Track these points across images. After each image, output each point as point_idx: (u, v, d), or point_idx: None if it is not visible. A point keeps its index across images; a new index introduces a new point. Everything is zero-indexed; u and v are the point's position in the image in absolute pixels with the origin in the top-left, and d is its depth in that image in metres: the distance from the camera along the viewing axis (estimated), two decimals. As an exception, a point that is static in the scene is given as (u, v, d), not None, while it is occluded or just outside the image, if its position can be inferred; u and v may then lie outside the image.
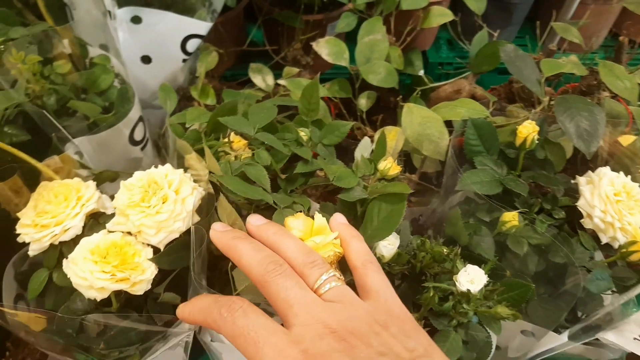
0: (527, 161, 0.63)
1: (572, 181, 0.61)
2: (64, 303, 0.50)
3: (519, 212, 0.56)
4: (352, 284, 0.39)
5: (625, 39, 0.85)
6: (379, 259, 0.49)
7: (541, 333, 0.56)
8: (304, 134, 0.57)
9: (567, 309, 0.54)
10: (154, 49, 0.73)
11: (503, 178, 0.59)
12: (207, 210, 0.53)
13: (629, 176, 0.58)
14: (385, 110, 0.94)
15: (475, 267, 0.48)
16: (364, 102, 0.83)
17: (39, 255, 0.52)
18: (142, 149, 0.69)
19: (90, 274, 0.44)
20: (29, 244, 0.51)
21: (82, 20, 0.64)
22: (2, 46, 0.56)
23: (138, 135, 0.67)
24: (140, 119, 0.67)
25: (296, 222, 0.42)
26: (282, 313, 0.35)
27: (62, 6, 0.68)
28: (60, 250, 0.51)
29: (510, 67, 0.66)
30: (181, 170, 0.52)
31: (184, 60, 0.75)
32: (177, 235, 0.50)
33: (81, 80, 0.60)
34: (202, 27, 0.72)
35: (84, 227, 0.51)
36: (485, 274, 0.48)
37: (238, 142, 0.57)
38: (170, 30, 0.71)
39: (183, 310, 0.38)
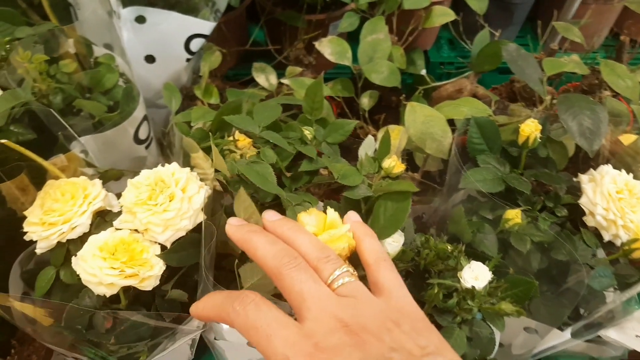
0: (529, 159, 0.63)
1: (575, 179, 0.61)
2: (70, 301, 0.51)
3: (522, 209, 0.57)
4: (364, 280, 0.39)
5: (627, 38, 0.86)
6: (384, 257, 0.49)
7: (544, 330, 0.56)
8: (308, 132, 0.57)
9: (570, 306, 0.54)
10: (157, 48, 0.73)
11: (506, 176, 0.59)
12: (213, 209, 0.53)
13: (631, 174, 0.59)
14: (387, 109, 0.95)
15: (480, 263, 0.48)
16: (366, 101, 0.83)
17: (45, 253, 0.52)
18: (147, 147, 0.70)
19: (100, 270, 0.45)
20: (35, 242, 0.52)
21: (87, 20, 0.64)
22: (7, 45, 0.56)
23: (143, 134, 0.67)
24: (145, 117, 0.67)
25: (309, 218, 0.43)
26: (295, 306, 0.35)
27: (67, 6, 0.68)
28: (68, 248, 0.51)
29: (513, 66, 0.66)
30: (188, 168, 0.52)
31: (188, 60, 0.76)
32: (183, 233, 0.50)
33: (86, 80, 0.60)
34: (206, 26, 0.73)
35: (90, 225, 0.51)
36: (490, 270, 0.48)
37: (243, 141, 0.57)
38: (174, 30, 0.72)
39: (196, 307, 0.38)
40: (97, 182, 0.54)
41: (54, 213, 0.50)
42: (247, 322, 0.34)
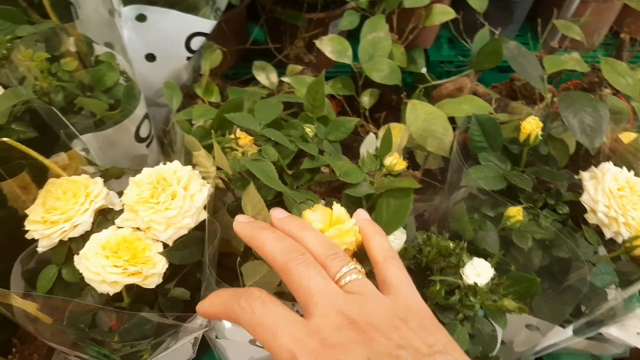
0: (530, 157, 0.63)
1: (576, 177, 0.62)
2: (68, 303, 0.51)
3: (523, 207, 0.57)
4: (371, 277, 0.39)
5: (626, 36, 0.86)
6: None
7: (546, 327, 0.56)
8: (309, 130, 0.57)
9: (572, 304, 0.54)
10: (158, 46, 0.73)
11: (507, 174, 0.60)
12: (215, 206, 0.53)
13: (632, 171, 0.59)
14: (387, 108, 0.95)
15: (482, 260, 0.48)
16: (366, 99, 0.83)
17: (46, 252, 0.52)
18: (148, 146, 0.69)
19: (103, 268, 0.45)
20: (37, 240, 0.51)
21: (87, 19, 0.64)
22: (9, 44, 0.56)
23: (144, 132, 0.67)
24: (146, 116, 0.67)
25: (314, 215, 0.43)
26: (302, 302, 0.35)
27: (67, 5, 0.68)
28: (69, 246, 0.51)
29: (513, 64, 0.66)
30: (190, 166, 0.52)
31: (188, 58, 0.76)
32: (186, 232, 0.50)
33: (87, 78, 0.60)
34: (207, 25, 0.73)
35: (92, 224, 0.51)
36: (492, 267, 0.48)
37: (244, 139, 0.57)
38: (175, 28, 0.71)
39: (203, 305, 0.38)
40: (99, 180, 0.54)
41: (55, 211, 0.50)
42: (254, 318, 0.34)
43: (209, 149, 0.55)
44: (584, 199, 0.58)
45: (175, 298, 0.53)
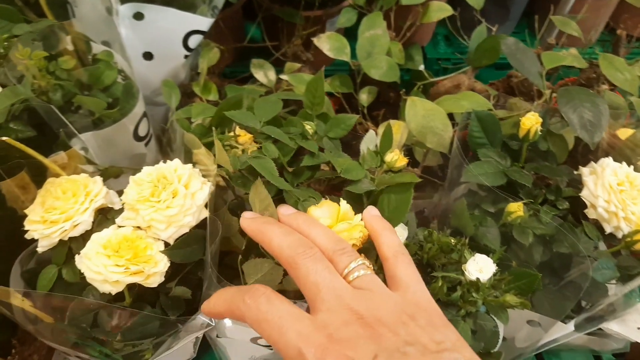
0: (529, 153, 0.63)
1: (575, 172, 0.62)
2: (73, 300, 0.50)
3: (524, 203, 0.57)
4: (378, 273, 0.39)
5: (623, 32, 0.86)
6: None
7: (548, 323, 0.56)
8: (309, 127, 0.57)
9: (574, 299, 0.54)
10: (155, 45, 0.73)
11: (507, 169, 0.60)
12: (215, 204, 0.53)
13: (631, 166, 0.59)
14: (385, 105, 0.95)
15: (484, 256, 0.48)
16: (365, 97, 0.83)
17: (46, 252, 0.52)
18: (146, 144, 0.69)
19: (104, 268, 0.45)
20: (36, 240, 0.51)
21: (84, 17, 0.64)
22: (6, 43, 0.56)
23: (142, 131, 0.67)
24: (144, 114, 0.67)
25: (320, 211, 0.43)
26: (309, 297, 0.35)
27: (63, 4, 0.67)
28: (69, 246, 0.51)
29: (512, 60, 0.66)
30: (190, 165, 0.52)
31: (186, 57, 0.75)
32: (187, 230, 0.50)
33: (85, 76, 0.60)
34: (204, 23, 0.72)
35: (92, 223, 0.51)
36: (494, 263, 0.48)
37: (243, 136, 0.57)
38: (172, 27, 0.71)
39: (207, 303, 0.38)
40: (98, 179, 0.54)
41: (55, 211, 0.50)
42: (259, 315, 0.33)
43: (208, 146, 0.55)
44: (584, 194, 0.58)
45: (177, 297, 0.53)
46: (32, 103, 0.51)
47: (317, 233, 0.39)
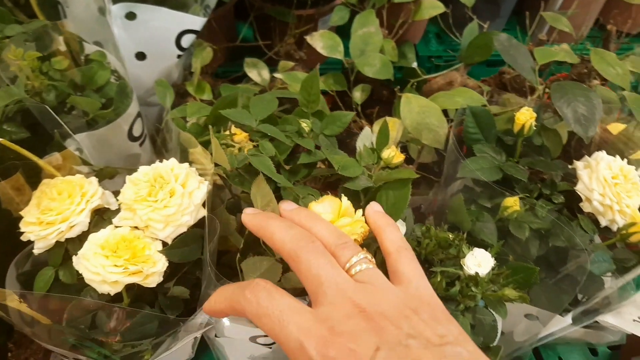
0: (524, 148, 0.64)
1: (570, 166, 0.62)
2: (70, 301, 0.50)
3: (520, 197, 0.57)
4: (381, 268, 0.39)
5: (613, 28, 0.87)
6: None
7: (545, 316, 0.57)
8: (305, 125, 0.57)
9: (571, 292, 0.54)
10: (148, 45, 0.72)
11: (502, 164, 0.60)
12: (213, 203, 0.53)
13: (625, 160, 0.60)
14: (379, 103, 0.95)
15: (482, 250, 0.48)
16: (358, 95, 0.83)
17: (42, 254, 0.51)
18: (141, 145, 0.69)
19: (103, 268, 0.44)
20: (32, 242, 0.51)
21: (77, 17, 0.63)
22: (-2, 43, 0.55)
23: (137, 131, 0.66)
24: (139, 114, 0.67)
25: (321, 206, 0.43)
26: (311, 290, 0.35)
27: (55, 4, 0.67)
28: (66, 247, 0.51)
29: (505, 56, 0.67)
30: (187, 164, 0.51)
31: (179, 56, 0.75)
32: (185, 229, 0.50)
33: (78, 77, 0.59)
34: (197, 22, 0.72)
35: (89, 224, 0.51)
36: (492, 257, 0.48)
37: (239, 135, 0.57)
38: (165, 26, 0.71)
39: (208, 302, 0.38)
40: (94, 179, 0.53)
41: (51, 212, 0.50)
42: (259, 309, 0.33)
43: (204, 146, 0.55)
44: (579, 188, 0.58)
45: (175, 297, 0.52)
46: (26, 104, 0.51)
47: (319, 227, 0.39)
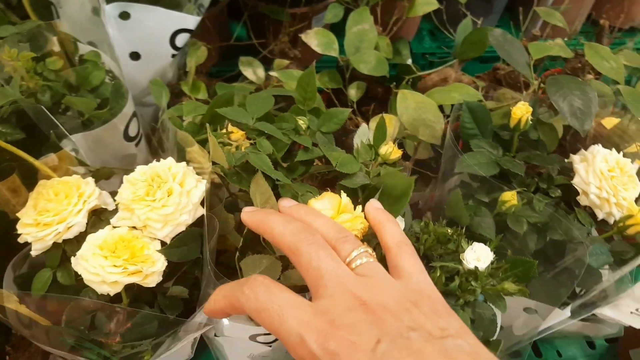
0: (520, 143, 0.64)
1: (566, 160, 0.62)
2: (69, 303, 0.50)
3: (517, 191, 0.57)
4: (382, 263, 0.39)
5: (606, 22, 0.87)
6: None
7: (544, 310, 0.57)
8: (302, 122, 0.57)
9: (570, 285, 0.55)
10: (142, 44, 0.72)
11: (499, 159, 0.60)
12: (211, 202, 0.53)
13: (621, 153, 0.60)
14: (373, 101, 0.95)
15: (481, 244, 0.48)
16: (354, 92, 0.83)
17: (39, 256, 0.51)
18: (137, 145, 0.69)
19: (102, 269, 0.44)
20: (28, 245, 0.50)
21: (70, 18, 0.63)
22: (-9, 44, 0.55)
23: (132, 131, 0.66)
24: (134, 114, 0.66)
25: (321, 203, 0.43)
26: (312, 284, 0.34)
27: (47, 5, 0.67)
28: (63, 249, 0.50)
29: (500, 51, 0.67)
30: (184, 163, 0.51)
31: (173, 56, 0.75)
32: (183, 228, 0.49)
33: (73, 77, 0.59)
34: (191, 21, 0.72)
35: (87, 224, 0.50)
36: (491, 251, 0.49)
37: (236, 133, 0.57)
38: (159, 26, 0.70)
39: (208, 303, 0.37)
40: (90, 180, 0.53)
41: (48, 213, 0.49)
42: (258, 304, 0.33)
43: (201, 144, 0.54)
44: (576, 181, 0.59)
45: (174, 297, 0.52)
46: (22, 104, 0.50)
47: (319, 222, 0.39)
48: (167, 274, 0.50)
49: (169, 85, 0.80)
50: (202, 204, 0.51)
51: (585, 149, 0.61)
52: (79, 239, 0.49)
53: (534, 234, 0.57)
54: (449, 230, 0.52)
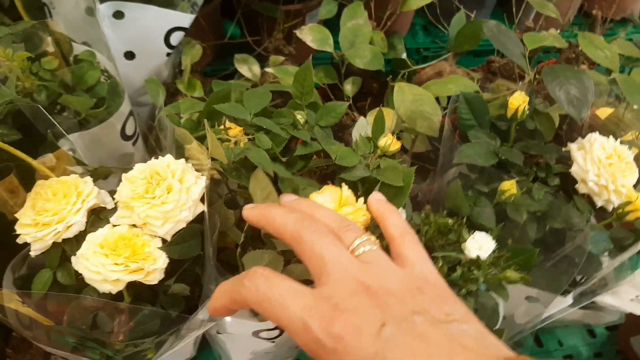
0: (517, 133, 0.64)
1: (564, 149, 0.63)
2: (70, 303, 0.49)
3: (516, 181, 0.58)
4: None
5: (599, 12, 0.88)
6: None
7: (546, 298, 0.57)
8: (300, 117, 0.57)
9: (571, 273, 0.55)
10: (137, 44, 0.72)
11: (497, 149, 0.60)
12: (211, 198, 0.52)
13: (618, 140, 0.60)
14: (369, 96, 0.95)
15: (483, 233, 0.49)
16: (349, 87, 0.83)
17: (39, 257, 0.50)
18: (134, 144, 0.68)
19: (103, 267, 0.44)
20: (27, 246, 0.50)
21: (65, 18, 0.62)
22: (-15, 45, 0.54)
23: (129, 130, 0.66)
24: (131, 113, 0.66)
25: (322, 197, 0.43)
26: (315, 271, 0.34)
27: (41, 6, 0.66)
28: (63, 248, 0.50)
29: (495, 43, 0.67)
30: (183, 159, 0.51)
31: (168, 54, 0.75)
32: (184, 225, 0.49)
33: (68, 77, 0.59)
34: (186, 19, 0.72)
35: (86, 224, 0.50)
36: (493, 239, 0.49)
37: (234, 129, 0.57)
38: (154, 24, 0.70)
39: (210, 302, 0.37)
40: (89, 179, 0.53)
41: (47, 213, 0.49)
42: (259, 295, 0.32)
43: (199, 141, 0.54)
44: (574, 169, 0.59)
45: (176, 294, 0.52)
46: (19, 104, 0.50)
47: (321, 213, 0.38)
48: (168, 272, 0.50)
49: (165, 84, 0.80)
50: (202, 200, 0.51)
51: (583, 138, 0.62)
52: (79, 239, 0.49)
53: (534, 223, 0.57)
54: (450, 221, 0.52)
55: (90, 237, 0.47)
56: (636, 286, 0.61)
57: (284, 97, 0.68)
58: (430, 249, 0.53)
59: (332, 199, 0.43)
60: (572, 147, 0.60)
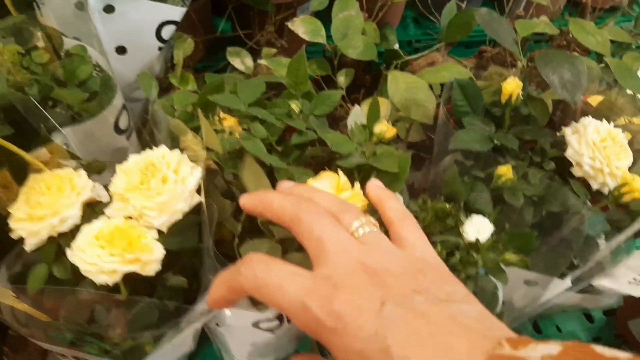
0: (512, 119, 0.64)
1: (558, 134, 0.63)
2: (66, 297, 0.49)
3: (512, 165, 0.58)
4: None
5: (588, 0, 0.88)
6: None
7: (544, 281, 0.57)
8: (295, 106, 0.56)
9: (569, 256, 0.55)
10: (128, 38, 0.71)
11: (493, 135, 0.60)
12: (207, 189, 0.52)
13: (612, 123, 0.60)
14: (362, 88, 0.95)
15: (481, 216, 0.49)
16: (342, 79, 0.83)
17: (33, 253, 0.50)
18: (128, 138, 0.68)
19: (99, 258, 0.43)
20: (21, 242, 0.49)
21: (55, 13, 0.62)
22: (-26, 41, 0.54)
23: (123, 124, 0.65)
24: (124, 106, 0.66)
25: (320, 183, 0.43)
26: (313, 253, 0.33)
27: (30, 2, 0.66)
28: (58, 243, 0.50)
29: (488, 30, 0.67)
30: (178, 150, 0.51)
31: (160, 49, 0.74)
32: (180, 217, 0.49)
33: (60, 71, 0.58)
34: (177, 12, 0.71)
35: (81, 217, 0.50)
36: (491, 222, 0.49)
37: (229, 120, 0.57)
38: (145, 18, 0.70)
39: (209, 294, 0.36)
40: (83, 172, 0.52)
41: (41, 207, 0.48)
42: (257, 281, 0.32)
43: (195, 131, 0.54)
44: (569, 153, 0.59)
45: (174, 287, 0.52)
46: (11, 98, 0.49)
47: (320, 196, 0.38)
48: (166, 265, 0.50)
49: (157, 79, 0.79)
50: (198, 191, 0.50)
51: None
52: (74, 232, 0.49)
53: (531, 207, 0.57)
54: (447, 206, 0.52)
55: (86, 229, 0.47)
56: (632, 268, 0.61)
57: (277, 89, 0.68)
58: (428, 235, 0.53)
59: (330, 184, 0.43)
60: (567, 131, 0.61)
